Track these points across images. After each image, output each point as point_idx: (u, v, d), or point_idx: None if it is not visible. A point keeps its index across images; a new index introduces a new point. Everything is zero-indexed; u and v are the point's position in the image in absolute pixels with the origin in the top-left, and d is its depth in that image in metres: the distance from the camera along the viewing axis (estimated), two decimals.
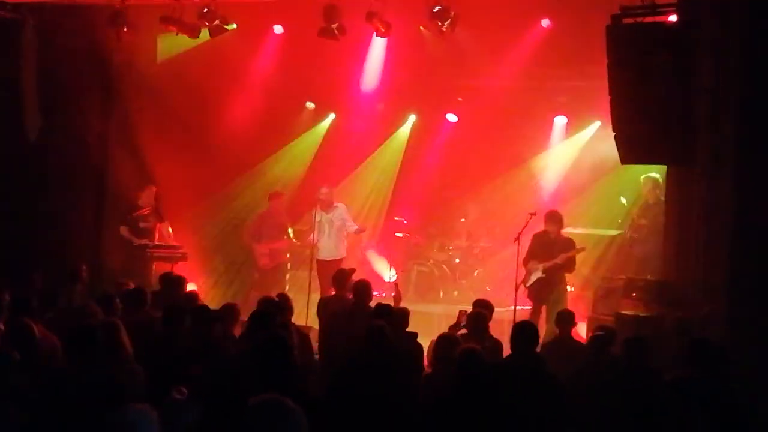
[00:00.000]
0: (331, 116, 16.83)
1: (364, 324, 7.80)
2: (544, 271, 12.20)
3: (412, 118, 16.74)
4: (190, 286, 11.77)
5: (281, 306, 8.88)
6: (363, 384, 6.65)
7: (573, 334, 9.55)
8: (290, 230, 14.18)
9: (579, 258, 12.53)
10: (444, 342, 7.73)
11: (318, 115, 16.81)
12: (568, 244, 12.37)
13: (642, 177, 13.17)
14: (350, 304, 9.79)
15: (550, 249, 12.25)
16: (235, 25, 13.54)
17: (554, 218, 12.43)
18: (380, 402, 6.44)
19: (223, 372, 5.87)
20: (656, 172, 12.85)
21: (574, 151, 15.58)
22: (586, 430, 7.11)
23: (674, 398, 5.90)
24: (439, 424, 5.95)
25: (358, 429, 6.40)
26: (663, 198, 12.26)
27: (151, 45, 14.22)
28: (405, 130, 16.84)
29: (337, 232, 13.81)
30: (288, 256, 14.37)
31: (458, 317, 9.30)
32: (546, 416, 6.59)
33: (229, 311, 8.76)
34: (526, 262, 12.39)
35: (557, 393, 6.85)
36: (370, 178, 16.47)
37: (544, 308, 12.16)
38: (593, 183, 14.61)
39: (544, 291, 12.20)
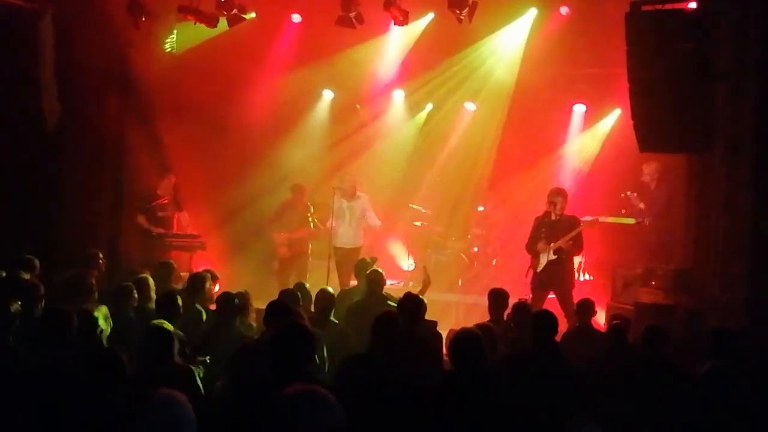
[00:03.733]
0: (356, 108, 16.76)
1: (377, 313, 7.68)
2: (555, 252, 11.43)
3: (428, 107, 16.66)
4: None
5: (299, 296, 8.89)
6: (370, 373, 6.51)
7: (593, 323, 9.52)
8: (310, 219, 13.89)
9: (597, 246, 12.34)
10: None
11: (339, 104, 16.75)
12: (572, 222, 11.58)
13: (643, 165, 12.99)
14: (364, 294, 9.76)
15: (554, 230, 11.53)
16: (253, 14, 13.55)
17: (555, 196, 11.64)
18: (389, 391, 6.32)
19: (238, 361, 5.82)
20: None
21: (593, 139, 15.49)
22: (604, 419, 7.10)
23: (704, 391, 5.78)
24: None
25: (366, 419, 6.34)
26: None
27: (169, 34, 14.22)
28: (421, 118, 16.78)
29: (357, 221, 13.72)
30: (309, 246, 14.23)
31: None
32: (562, 406, 6.57)
33: (241, 300, 8.78)
34: (530, 247, 11.76)
35: (574, 383, 6.82)
36: (387, 167, 16.39)
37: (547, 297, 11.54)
38: (612, 171, 14.47)
39: (555, 276, 11.49)
